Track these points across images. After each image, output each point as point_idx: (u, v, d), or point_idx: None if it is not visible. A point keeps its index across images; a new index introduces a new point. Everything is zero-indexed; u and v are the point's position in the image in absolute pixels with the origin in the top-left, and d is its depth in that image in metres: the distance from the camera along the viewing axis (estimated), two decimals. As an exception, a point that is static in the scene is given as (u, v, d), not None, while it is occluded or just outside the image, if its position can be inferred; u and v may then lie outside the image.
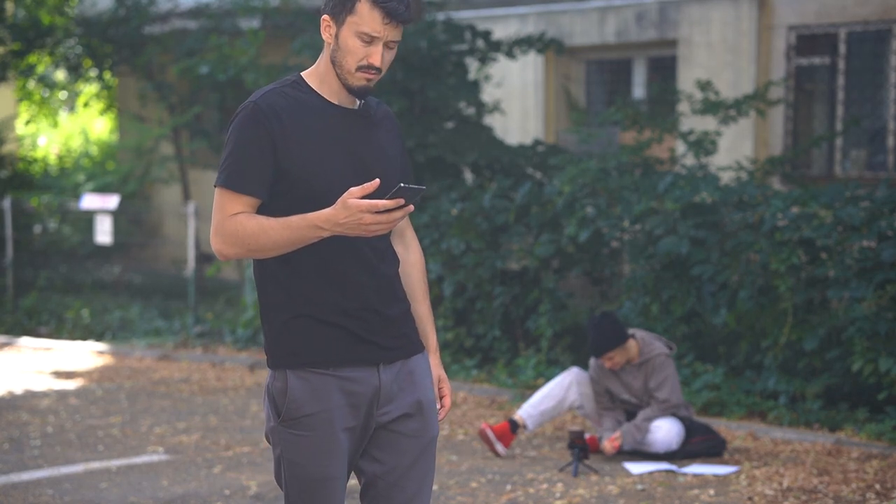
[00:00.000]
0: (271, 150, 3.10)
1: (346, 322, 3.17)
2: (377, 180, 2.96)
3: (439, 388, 3.42)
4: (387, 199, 2.94)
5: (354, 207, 2.95)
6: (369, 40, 3.10)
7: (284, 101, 3.15)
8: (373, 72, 3.13)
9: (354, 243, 3.14)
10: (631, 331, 6.97)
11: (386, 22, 3.09)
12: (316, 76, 3.22)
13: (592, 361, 6.98)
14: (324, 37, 3.16)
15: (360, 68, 3.12)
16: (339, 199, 2.98)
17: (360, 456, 3.29)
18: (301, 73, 3.25)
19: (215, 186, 3.13)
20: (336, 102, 3.20)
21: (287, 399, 3.17)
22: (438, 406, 3.40)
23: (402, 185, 2.93)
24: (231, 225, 3.09)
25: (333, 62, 3.16)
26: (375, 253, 3.20)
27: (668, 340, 7.11)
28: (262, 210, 3.13)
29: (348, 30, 3.11)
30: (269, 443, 3.26)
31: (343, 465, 3.22)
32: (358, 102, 3.23)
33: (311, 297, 3.16)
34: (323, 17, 3.15)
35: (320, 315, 3.16)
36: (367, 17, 3.09)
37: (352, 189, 2.96)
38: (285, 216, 3.07)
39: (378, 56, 3.11)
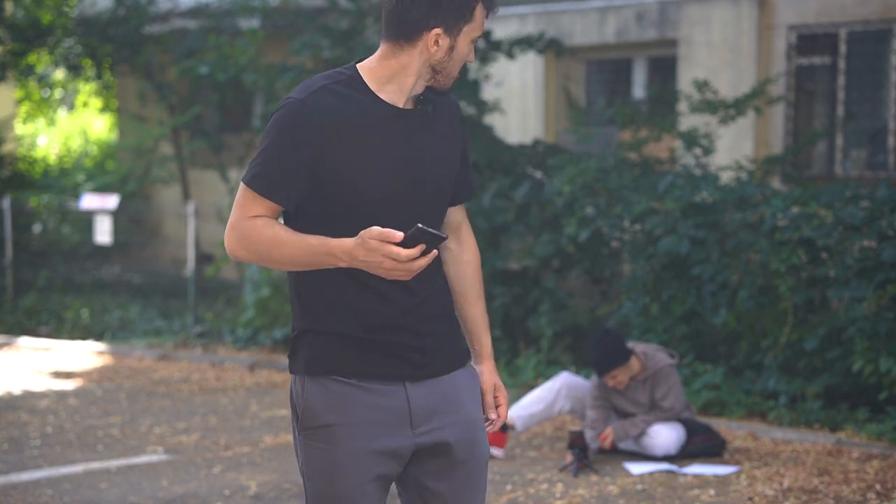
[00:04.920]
0: (309, 158, 2.83)
1: (370, 335, 2.93)
2: (400, 234, 2.70)
3: (495, 397, 3.16)
4: (405, 241, 2.71)
5: (376, 250, 2.72)
6: (474, 41, 2.95)
7: (336, 100, 2.87)
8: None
9: None
10: (630, 345, 6.91)
11: (486, 18, 2.95)
12: (378, 77, 2.93)
13: (595, 379, 6.91)
14: (430, 50, 2.89)
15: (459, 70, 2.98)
16: (360, 234, 2.74)
17: (406, 477, 3.04)
18: (357, 67, 2.95)
19: (242, 181, 2.91)
20: (391, 103, 2.92)
21: (303, 405, 2.95)
22: (494, 416, 3.15)
23: (419, 225, 2.69)
24: (246, 227, 2.87)
25: (438, 70, 2.92)
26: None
27: (669, 350, 7.07)
28: (301, 214, 2.90)
29: (464, 38, 2.91)
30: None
31: (368, 489, 2.93)
32: (418, 99, 2.98)
33: (336, 305, 2.93)
34: (434, 30, 2.87)
35: (344, 326, 2.93)
36: (479, 21, 2.92)
37: (373, 228, 2.73)
38: (321, 225, 2.85)
39: (473, 52, 2.97)
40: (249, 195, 2.87)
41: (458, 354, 3.08)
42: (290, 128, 2.84)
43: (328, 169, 2.84)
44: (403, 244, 2.70)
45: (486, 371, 3.16)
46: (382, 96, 2.91)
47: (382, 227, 2.76)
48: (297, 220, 2.92)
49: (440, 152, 3.00)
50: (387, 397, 2.93)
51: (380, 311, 2.91)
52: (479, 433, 3.08)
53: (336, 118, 2.84)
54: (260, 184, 2.85)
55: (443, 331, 3.03)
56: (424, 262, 2.74)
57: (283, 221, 2.97)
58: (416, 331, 2.95)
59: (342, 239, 2.78)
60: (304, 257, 2.83)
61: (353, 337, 2.92)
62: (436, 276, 3.02)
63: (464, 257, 3.16)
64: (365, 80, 2.92)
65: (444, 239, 2.71)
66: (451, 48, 2.90)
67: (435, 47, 2.89)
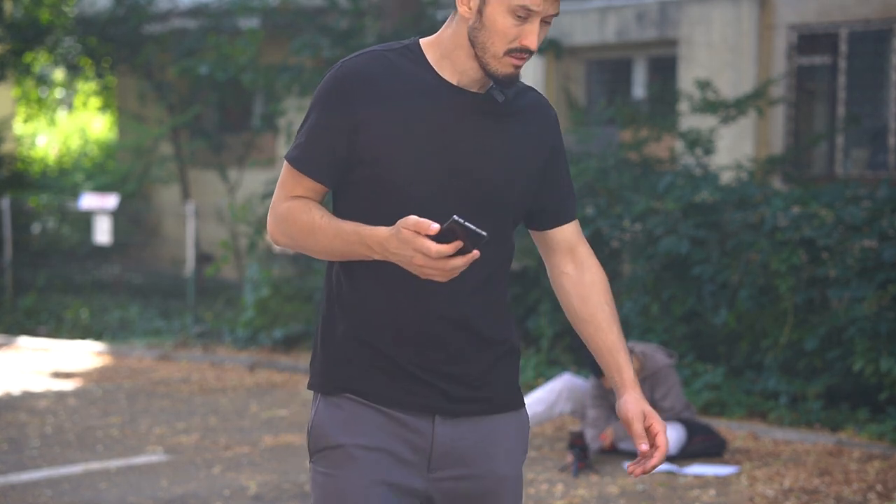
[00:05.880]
0: (348, 128, 2.48)
1: (400, 351, 2.53)
2: (436, 226, 2.31)
3: (649, 426, 2.59)
4: (440, 235, 2.33)
5: (408, 242, 2.34)
6: (525, 16, 2.41)
7: (382, 66, 2.50)
8: (525, 55, 2.46)
9: None
10: (629, 345, 6.89)
11: None
12: (436, 49, 2.53)
13: (593, 380, 6.89)
14: (459, 9, 2.47)
15: (510, 52, 2.44)
16: (397, 223, 2.37)
17: None
18: (420, 40, 2.57)
19: (285, 157, 2.60)
20: (455, 83, 2.51)
21: (312, 424, 2.58)
22: (645, 446, 2.56)
23: (455, 217, 2.30)
24: (284, 209, 2.55)
25: (473, 42, 2.46)
26: (469, 276, 2.47)
27: (668, 350, 7.05)
28: (340, 199, 2.58)
29: (499, 4, 2.42)
30: None
31: None
32: (490, 86, 2.54)
33: (364, 313, 2.55)
34: None
35: (375, 334, 2.54)
36: None
37: (409, 217, 2.35)
38: (359, 214, 2.51)
39: (534, 36, 2.42)
40: (289, 173, 2.57)
41: (508, 394, 2.63)
42: (331, 96, 2.51)
43: (364, 143, 2.49)
44: (438, 238, 2.34)
45: (631, 399, 2.61)
46: (441, 73, 2.52)
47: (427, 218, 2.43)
48: (339, 205, 2.60)
49: (510, 152, 2.56)
50: (409, 430, 2.54)
51: (411, 319, 2.52)
52: (507, 495, 2.63)
53: (377, 84, 2.49)
54: (299, 160, 2.54)
55: (492, 361, 2.59)
56: (461, 262, 2.34)
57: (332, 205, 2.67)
58: (456, 354, 2.55)
59: (377, 227, 2.43)
60: (338, 246, 2.49)
61: (383, 353, 2.54)
62: (491, 290, 2.60)
63: (586, 279, 2.70)
64: (424, 51, 2.54)
65: (485, 238, 2.31)
66: (481, 13, 2.44)
67: (464, 7, 2.47)
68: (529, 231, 2.77)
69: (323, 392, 2.58)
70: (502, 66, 2.46)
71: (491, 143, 2.53)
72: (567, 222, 2.72)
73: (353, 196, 2.55)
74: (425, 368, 2.53)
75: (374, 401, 2.53)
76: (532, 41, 2.43)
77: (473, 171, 2.51)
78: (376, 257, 2.43)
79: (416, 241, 2.32)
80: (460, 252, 2.34)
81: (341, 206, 2.58)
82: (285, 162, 2.57)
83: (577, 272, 2.71)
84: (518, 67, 2.47)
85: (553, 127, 2.64)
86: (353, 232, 2.44)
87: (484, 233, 2.31)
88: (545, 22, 2.45)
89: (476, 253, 2.33)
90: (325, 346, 2.60)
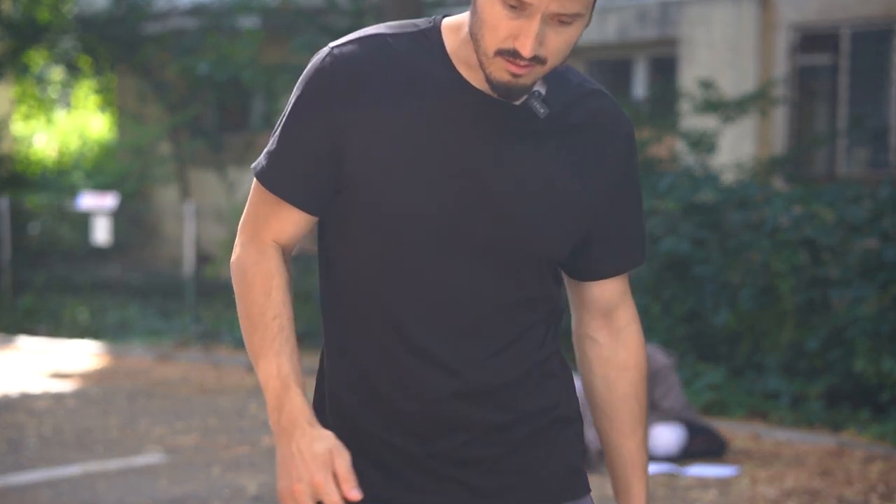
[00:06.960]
0: (334, 138, 1.82)
1: (396, 441, 1.87)
2: (357, 494, 1.70)
3: None
4: None
5: (309, 466, 1.73)
6: (518, 7, 1.72)
7: (380, 58, 1.84)
8: (522, 63, 1.75)
9: (445, 309, 1.84)
10: None
11: None
12: (457, 37, 1.86)
13: None
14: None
15: (500, 52, 1.75)
16: (322, 433, 1.75)
17: None
18: (443, 20, 1.90)
19: (253, 169, 1.91)
20: (477, 85, 1.84)
21: None
22: None
23: None
24: (247, 261, 1.87)
25: (471, 33, 1.80)
26: (489, 337, 1.87)
27: (666, 350, 7.04)
28: (321, 232, 1.92)
29: None
30: None
31: None
32: (533, 93, 1.85)
33: (348, 390, 1.90)
34: None
35: (370, 416, 1.89)
36: None
37: (344, 454, 1.73)
38: (339, 253, 1.88)
39: (529, 38, 1.72)
40: (261, 195, 1.88)
41: (557, 477, 1.93)
42: (314, 92, 1.84)
43: (350, 159, 1.83)
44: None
45: None
46: (459, 69, 1.86)
47: (425, 266, 1.83)
48: (324, 244, 1.94)
49: (557, 180, 1.86)
50: None
51: (407, 399, 1.86)
52: None
53: (372, 80, 1.83)
54: (272, 177, 1.86)
55: (525, 435, 1.91)
56: None
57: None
58: (475, 436, 1.87)
59: (304, 407, 1.78)
60: (258, 367, 1.83)
61: (377, 439, 1.88)
62: (522, 351, 1.94)
63: (619, 357, 2.05)
64: (444, 39, 1.87)
65: None
66: (474, 2, 1.80)
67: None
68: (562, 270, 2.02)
69: None
70: (495, 70, 1.77)
71: (524, 165, 1.85)
72: (612, 276, 2.00)
73: (334, 232, 1.89)
74: (435, 455, 1.87)
75: None
76: (524, 44, 1.73)
77: (494, 203, 1.84)
78: (271, 422, 1.79)
79: (317, 476, 1.70)
80: None
81: (330, 238, 1.91)
82: (255, 180, 1.89)
83: (611, 345, 2.05)
84: (517, 76, 1.77)
85: (623, 148, 1.93)
86: (281, 384, 1.79)
87: None
88: (561, 22, 1.74)
89: None
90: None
